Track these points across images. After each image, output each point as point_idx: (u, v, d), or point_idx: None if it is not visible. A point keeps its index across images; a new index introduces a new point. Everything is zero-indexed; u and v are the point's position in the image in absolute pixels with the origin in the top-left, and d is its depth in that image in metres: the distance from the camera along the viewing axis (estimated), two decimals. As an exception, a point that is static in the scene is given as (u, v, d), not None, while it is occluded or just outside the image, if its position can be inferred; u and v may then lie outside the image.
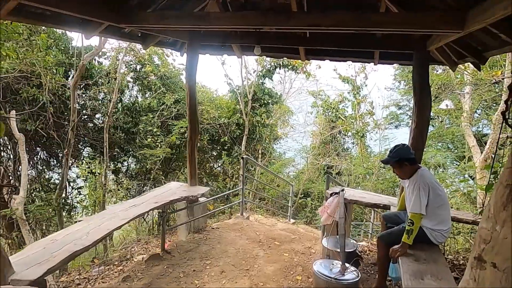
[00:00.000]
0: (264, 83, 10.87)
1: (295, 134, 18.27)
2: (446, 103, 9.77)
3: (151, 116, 9.82)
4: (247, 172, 11.46)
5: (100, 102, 8.34)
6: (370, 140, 17.55)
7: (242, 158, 5.37)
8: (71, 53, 7.41)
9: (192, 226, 4.86)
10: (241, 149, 10.66)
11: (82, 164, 8.89)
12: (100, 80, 8.07)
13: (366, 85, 17.61)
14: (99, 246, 5.94)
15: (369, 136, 17.80)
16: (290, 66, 10.52)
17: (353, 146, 18.78)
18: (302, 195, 13.05)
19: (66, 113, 7.10)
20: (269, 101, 10.62)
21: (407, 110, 15.40)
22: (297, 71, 10.78)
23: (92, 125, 8.47)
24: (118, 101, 8.52)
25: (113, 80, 8.10)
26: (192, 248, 4.23)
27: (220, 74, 10.86)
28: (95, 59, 7.94)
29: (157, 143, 8.89)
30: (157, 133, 9.25)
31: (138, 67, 9.69)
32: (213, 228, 5.02)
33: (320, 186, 15.59)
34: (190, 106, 4.79)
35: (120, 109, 8.59)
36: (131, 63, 9.54)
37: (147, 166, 8.78)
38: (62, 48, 7.39)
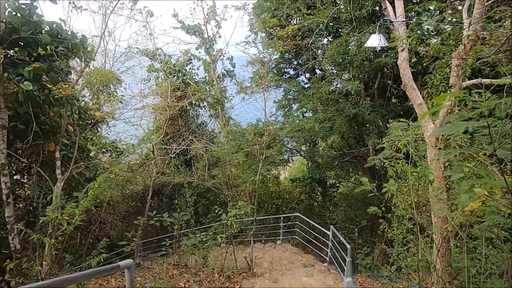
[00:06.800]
0: (37, 8, 4.75)
1: (128, 114, 12.31)
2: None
3: None
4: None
5: None
6: (233, 110, 13.80)
7: None
8: None
9: None
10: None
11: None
12: None
13: (220, 36, 13.37)
14: None
15: (229, 104, 14.00)
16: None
17: (210, 120, 14.60)
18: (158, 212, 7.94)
19: None
20: (53, 44, 4.70)
21: (273, 67, 12.34)
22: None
23: None
24: None
25: None
26: None
27: None
28: None
29: None
30: None
31: None
32: None
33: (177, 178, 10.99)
34: None
35: None
36: None
37: None
38: None
